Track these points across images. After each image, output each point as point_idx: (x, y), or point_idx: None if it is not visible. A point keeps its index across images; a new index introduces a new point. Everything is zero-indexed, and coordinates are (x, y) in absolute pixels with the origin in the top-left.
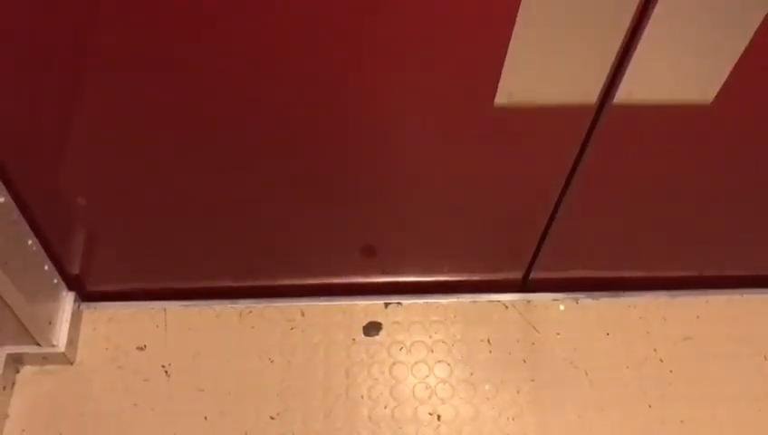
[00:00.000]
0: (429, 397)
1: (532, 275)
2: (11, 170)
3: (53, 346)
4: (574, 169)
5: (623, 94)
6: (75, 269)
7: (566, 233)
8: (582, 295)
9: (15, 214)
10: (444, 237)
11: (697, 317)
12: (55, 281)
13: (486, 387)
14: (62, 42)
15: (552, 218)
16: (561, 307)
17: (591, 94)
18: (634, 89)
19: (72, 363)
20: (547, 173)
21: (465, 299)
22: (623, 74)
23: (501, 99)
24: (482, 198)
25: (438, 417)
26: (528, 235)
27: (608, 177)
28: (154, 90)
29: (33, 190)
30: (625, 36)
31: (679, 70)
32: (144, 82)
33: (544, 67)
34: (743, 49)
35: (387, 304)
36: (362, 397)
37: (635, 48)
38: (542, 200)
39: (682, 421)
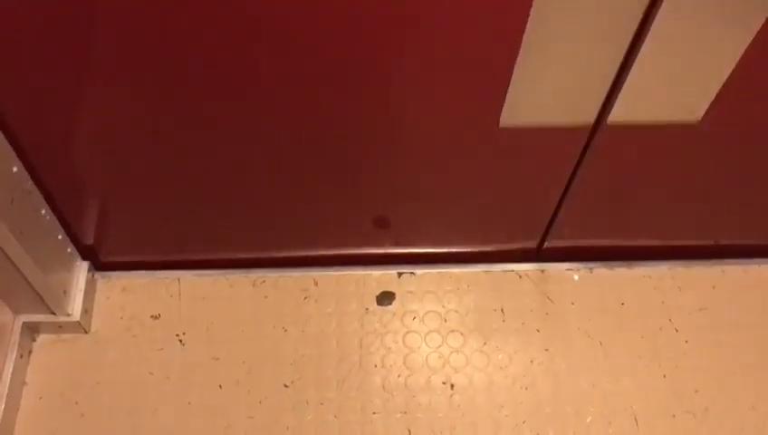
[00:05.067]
0: (443, 366)
1: (547, 245)
2: (24, 139)
3: (69, 315)
4: (586, 147)
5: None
6: (89, 239)
7: (580, 203)
8: (597, 265)
9: (29, 183)
10: (457, 207)
11: (713, 287)
12: (69, 250)
13: (500, 356)
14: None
15: (566, 189)
16: (576, 277)
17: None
18: (627, 111)
19: (87, 332)
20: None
21: (479, 269)
22: (617, 96)
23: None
24: (496, 170)
25: (452, 386)
26: (542, 204)
27: (620, 152)
28: (168, 57)
29: (46, 160)
30: (620, 61)
31: (669, 91)
32: (157, 48)
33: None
34: (728, 72)
35: (400, 274)
36: (376, 366)
37: (628, 72)
38: (556, 173)
39: (697, 391)
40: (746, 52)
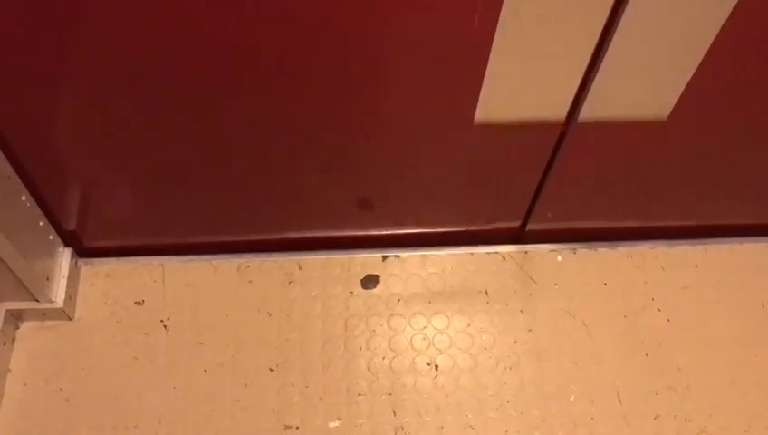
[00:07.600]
0: (427, 348)
1: (529, 226)
2: (3, 124)
3: (52, 302)
4: (561, 139)
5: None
6: (71, 225)
7: (559, 187)
8: (580, 246)
9: (8, 169)
10: (439, 191)
11: (695, 266)
12: (51, 237)
13: (484, 337)
14: None
15: (548, 168)
16: (559, 258)
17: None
18: (596, 106)
19: (71, 319)
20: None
21: (463, 251)
22: (587, 93)
23: None
24: (474, 159)
25: (436, 367)
26: (522, 188)
27: (603, 128)
28: (149, 37)
29: (26, 145)
30: (589, 59)
31: (637, 89)
32: (139, 27)
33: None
34: (694, 69)
35: (384, 257)
36: (361, 348)
37: (597, 70)
38: (533, 162)
39: (679, 369)
40: (711, 47)
